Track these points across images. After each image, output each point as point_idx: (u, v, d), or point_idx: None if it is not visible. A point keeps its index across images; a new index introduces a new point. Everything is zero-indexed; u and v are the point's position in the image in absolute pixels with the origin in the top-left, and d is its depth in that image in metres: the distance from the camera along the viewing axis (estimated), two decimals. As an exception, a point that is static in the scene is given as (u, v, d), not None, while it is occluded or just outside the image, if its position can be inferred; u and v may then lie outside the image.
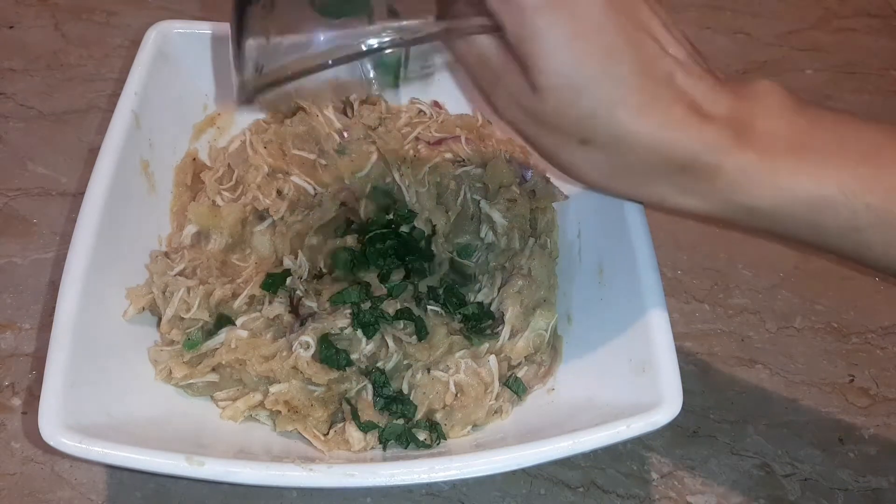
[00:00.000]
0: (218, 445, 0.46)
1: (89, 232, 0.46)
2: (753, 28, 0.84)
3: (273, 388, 0.47)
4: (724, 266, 0.64)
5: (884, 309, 0.62)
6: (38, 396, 0.40)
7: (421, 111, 0.62)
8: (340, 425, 0.48)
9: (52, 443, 0.39)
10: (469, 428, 0.49)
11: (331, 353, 0.47)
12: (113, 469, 0.50)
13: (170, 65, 0.57)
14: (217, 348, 0.49)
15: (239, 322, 0.49)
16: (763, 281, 0.64)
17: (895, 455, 0.55)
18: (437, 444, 0.47)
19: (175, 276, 0.51)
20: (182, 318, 0.49)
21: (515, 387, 0.50)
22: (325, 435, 0.47)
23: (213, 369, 0.49)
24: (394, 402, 0.48)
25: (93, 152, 0.50)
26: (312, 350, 0.47)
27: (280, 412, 0.47)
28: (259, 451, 0.46)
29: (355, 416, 0.47)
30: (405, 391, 0.48)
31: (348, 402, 0.48)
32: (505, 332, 0.51)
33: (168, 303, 0.49)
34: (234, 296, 0.50)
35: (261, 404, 0.48)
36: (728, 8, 0.86)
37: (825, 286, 0.64)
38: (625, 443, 0.45)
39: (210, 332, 0.49)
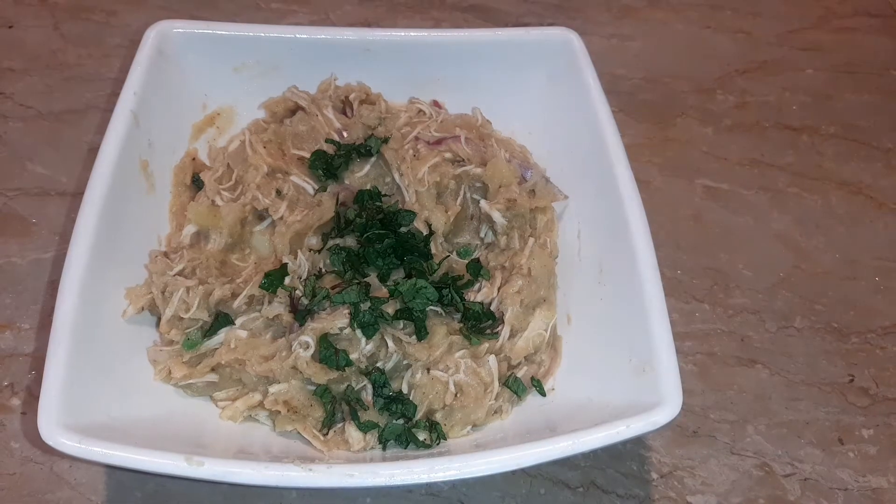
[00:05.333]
0: (217, 445, 0.46)
1: (88, 231, 0.46)
2: (753, 27, 0.84)
3: (272, 389, 0.47)
4: (724, 266, 0.64)
5: (883, 309, 0.62)
6: (38, 396, 0.40)
7: (421, 111, 0.62)
8: (340, 425, 0.48)
9: (51, 443, 0.39)
10: (469, 428, 0.48)
11: (330, 353, 0.47)
12: (112, 469, 0.50)
13: (169, 64, 0.57)
14: (217, 348, 0.49)
15: (238, 322, 0.49)
16: (763, 281, 0.64)
17: (895, 455, 0.55)
18: (437, 443, 0.47)
19: (174, 276, 0.50)
20: (181, 318, 0.49)
21: (515, 387, 0.50)
22: (325, 435, 0.47)
23: (213, 369, 0.49)
24: (394, 402, 0.48)
25: (92, 152, 0.50)
26: (312, 350, 0.47)
27: (279, 412, 0.47)
28: (258, 452, 0.46)
29: (355, 416, 0.47)
30: (405, 391, 0.48)
31: (348, 402, 0.47)
32: (504, 331, 0.51)
33: (167, 303, 0.49)
34: (234, 296, 0.50)
35: (260, 404, 0.48)
36: (728, 7, 0.86)
37: (825, 286, 0.64)
38: (624, 443, 0.45)
39: (209, 332, 0.49)
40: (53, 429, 0.39)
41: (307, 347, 0.47)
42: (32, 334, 0.56)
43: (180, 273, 0.51)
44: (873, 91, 0.79)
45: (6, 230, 0.62)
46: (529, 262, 0.53)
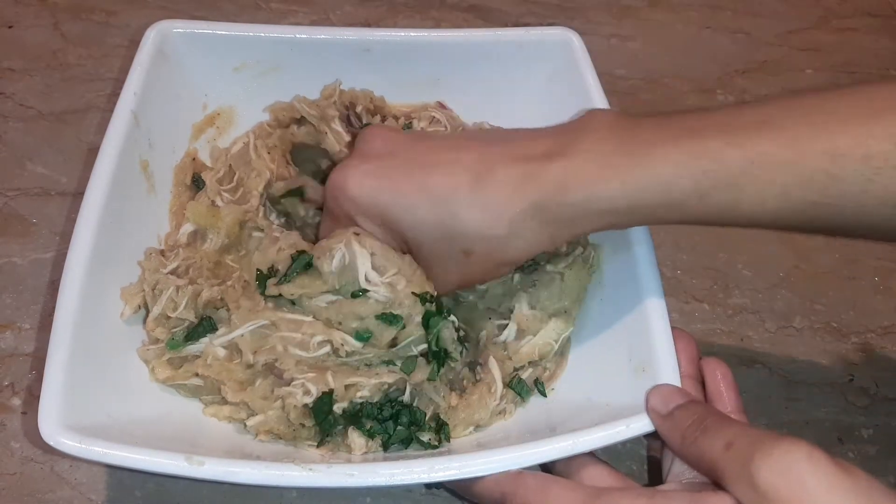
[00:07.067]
0: (218, 445, 0.46)
1: (89, 232, 0.46)
2: (753, 28, 0.84)
3: (250, 422, 0.46)
4: (723, 266, 0.64)
5: (883, 309, 0.62)
6: (38, 396, 0.40)
7: (434, 118, 0.61)
8: (340, 427, 0.46)
9: (51, 443, 0.39)
10: (471, 429, 0.48)
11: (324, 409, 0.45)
12: (113, 469, 0.50)
13: (169, 64, 0.57)
14: (198, 356, 0.48)
15: (219, 334, 0.48)
16: (763, 281, 0.64)
17: (895, 454, 0.55)
18: (441, 444, 0.47)
19: (167, 273, 0.50)
20: (168, 317, 0.49)
21: (519, 388, 0.49)
22: (319, 445, 0.46)
23: (196, 374, 0.47)
24: (401, 413, 0.46)
25: (92, 152, 0.50)
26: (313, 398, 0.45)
27: (263, 439, 0.46)
28: (259, 451, 0.46)
29: (360, 425, 0.46)
30: (406, 400, 0.47)
31: (348, 415, 0.46)
32: (510, 329, 0.51)
33: (156, 300, 0.49)
34: (223, 299, 0.49)
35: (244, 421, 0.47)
36: (728, 7, 0.86)
37: (825, 286, 0.64)
38: (624, 443, 0.45)
39: (190, 337, 0.48)
40: (54, 428, 0.39)
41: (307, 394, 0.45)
42: (33, 334, 0.56)
43: (173, 271, 0.50)
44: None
45: (7, 230, 0.62)
46: (565, 270, 0.52)
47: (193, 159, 0.59)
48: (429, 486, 0.50)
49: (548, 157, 0.41)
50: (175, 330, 0.49)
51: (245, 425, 0.47)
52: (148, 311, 0.50)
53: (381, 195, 0.44)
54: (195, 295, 0.49)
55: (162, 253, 0.52)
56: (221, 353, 0.47)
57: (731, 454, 0.35)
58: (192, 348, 0.48)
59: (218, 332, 0.48)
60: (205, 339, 0.48)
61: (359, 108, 0.60)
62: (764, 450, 0.34)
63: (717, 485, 0.37)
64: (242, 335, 0.47)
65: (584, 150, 0.41)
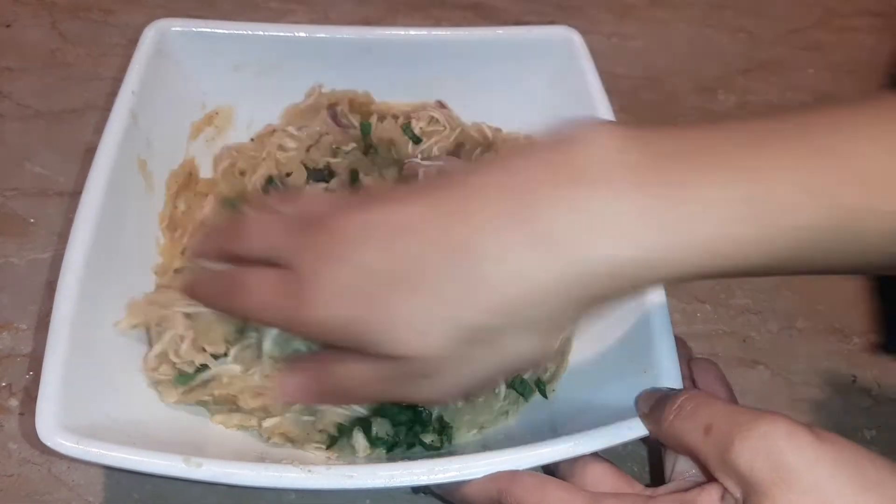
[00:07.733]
0: (216, 446, 0.46)
1: (86, 231, 0.46)
2: (755, 27, 0.84)
3: (266, 423, 0.45)
4: (725, 266, 0.64)
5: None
6: (36, 397, 0.40)
7: (433, 118, 0.60)
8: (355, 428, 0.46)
9: (49, 444, 0.38)
10: (475, 430, 0.48)
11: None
12: (110, 470, 0.50)
13: (168, 63, 0.57)
14: (210, 380, 0.46)
15: (232, 353, 0.46)
16: (765, 281, 0.63)
17: (897, 456, 0.54)
18: (443, 446, 0.46)
19: (175, 312, 0.47)
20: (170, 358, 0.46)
21: (521, 388, 0.49)
22: (328, 448, 0.46)
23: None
24: (411, 422, 0.46)
25: (90, 151, 0.50)
26: None
27: (276, 442, 0.46)
28: (257, 453, 0.46)
29: (367, 432, 0.45)
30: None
31: (354, 426, 0.46)
32: None
33: (159, 339, 0.46)
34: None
35: (256, 425, 0.46)
36: (729, 6, 0.86)
37: (827, 287, 0.63)
38: (625, 444, 0.45)
39: (201, 369, 0.46)
40: (51, 429, 0.39)
41: None
42: (30, 335, 0.56)
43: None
44: (875, 90, 0.79)
45: (4, 230, 0.61)
46: None
47: (190, 173, 0.57)
48: (415, 490, 0.49)
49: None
50: (180, 366, 0.46)
51: (258, 429, 0.46)
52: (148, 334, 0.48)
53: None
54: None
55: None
56: (237, 369, 0.46)
57: (710, 439, 0.35)
58: (203, 376, 0.46)
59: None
60: (216, 365, 0.46)
61: (339, 109, 0.59)
62: (741, 433, 0.33)
63: (701, 468, 0.38)
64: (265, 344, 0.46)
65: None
